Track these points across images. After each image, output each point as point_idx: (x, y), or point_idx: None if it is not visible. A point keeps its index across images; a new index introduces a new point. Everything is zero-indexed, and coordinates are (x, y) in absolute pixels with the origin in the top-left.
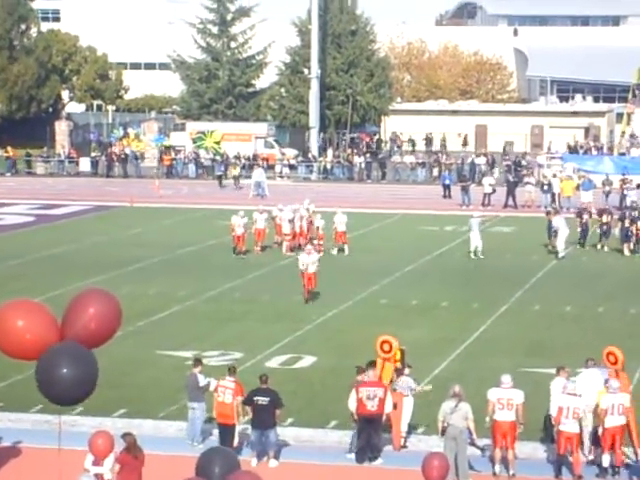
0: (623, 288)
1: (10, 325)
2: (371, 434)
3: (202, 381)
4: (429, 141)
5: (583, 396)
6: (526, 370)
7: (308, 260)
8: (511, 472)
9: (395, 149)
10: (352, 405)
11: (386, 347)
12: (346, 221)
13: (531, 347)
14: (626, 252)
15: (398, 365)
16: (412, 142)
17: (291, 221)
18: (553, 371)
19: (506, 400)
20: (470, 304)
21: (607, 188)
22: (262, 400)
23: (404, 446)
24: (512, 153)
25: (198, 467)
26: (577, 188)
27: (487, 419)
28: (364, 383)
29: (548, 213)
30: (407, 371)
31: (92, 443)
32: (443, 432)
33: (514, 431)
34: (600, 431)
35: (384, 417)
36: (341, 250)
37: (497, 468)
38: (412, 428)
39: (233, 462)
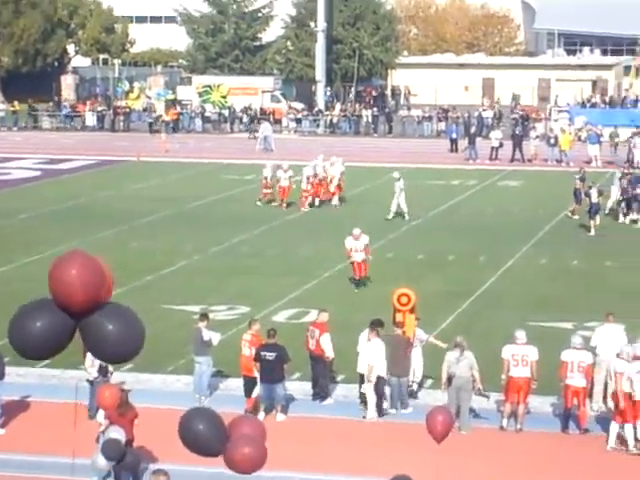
0: (632, 243)
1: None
2: (316, 371)
3: (206, 335)
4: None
5: (602, 350)
6: (533, 324)
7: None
8: (518, 426)
9: (402, 103)
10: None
11: (404, 300)
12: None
13: (537, 301)
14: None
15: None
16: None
17: (315, 176)
18: (560, 325)
19: (520, 356)
20: (477, 258)
21: (615, 140)
22: (269, 355)
23: (415, 397)
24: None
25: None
26: (583, 141)
27: (502, 376)
28: (312, 323)
29: (582, 180)
30: (416, 323)
31: (99, 397)
32: (449, 381)
33: (528, 387)
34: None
35: (327, 359)
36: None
37: (505, 422)
38: (423, 379)
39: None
